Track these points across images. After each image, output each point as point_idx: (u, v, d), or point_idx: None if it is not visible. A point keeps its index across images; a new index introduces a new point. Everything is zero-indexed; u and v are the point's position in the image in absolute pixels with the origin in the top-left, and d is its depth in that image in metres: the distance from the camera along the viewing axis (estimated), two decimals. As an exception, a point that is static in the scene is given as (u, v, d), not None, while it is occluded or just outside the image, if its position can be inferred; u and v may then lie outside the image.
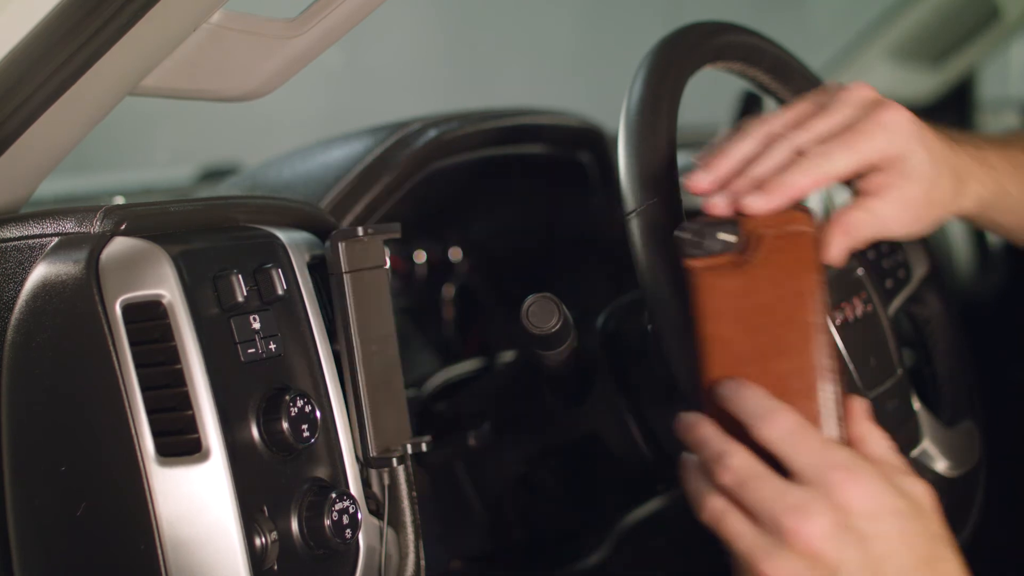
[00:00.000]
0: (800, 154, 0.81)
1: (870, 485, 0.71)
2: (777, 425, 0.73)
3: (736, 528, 0.72)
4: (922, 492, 0.74)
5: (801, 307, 0.75)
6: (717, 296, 0.76)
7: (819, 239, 0.78)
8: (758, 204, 0.78)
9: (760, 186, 0.79)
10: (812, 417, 0.74)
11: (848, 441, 0.75)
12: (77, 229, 0.79)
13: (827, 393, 0.75)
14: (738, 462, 0.73)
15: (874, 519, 0.71)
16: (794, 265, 0.76)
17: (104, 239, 0.77)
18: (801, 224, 0.77)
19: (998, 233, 1.00)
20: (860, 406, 0.77)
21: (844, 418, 0.75)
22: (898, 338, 1.05)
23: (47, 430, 0.77)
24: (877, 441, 0.76)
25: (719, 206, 0.80)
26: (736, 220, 0.78)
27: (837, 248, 0.82)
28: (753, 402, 0.74)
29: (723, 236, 0.77)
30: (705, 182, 0.82)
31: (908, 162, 0.84)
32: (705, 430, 0.75)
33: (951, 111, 2.17)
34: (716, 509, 0.73)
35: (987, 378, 1.19)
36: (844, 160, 0.81)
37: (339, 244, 0.85)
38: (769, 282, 0.76)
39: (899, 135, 0.84)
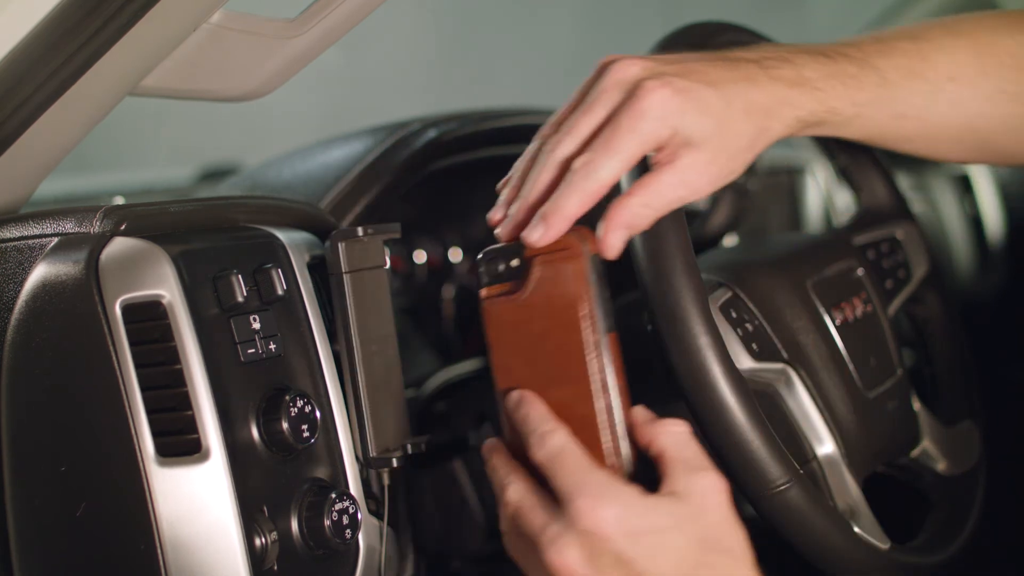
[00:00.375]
0: (568, 168, 0.78)
1: (618, 508, 0.71)
2: (545, 447, 0.74)
3: (519, 561, 0.75)
4: (705, 488, 0.74)
5: (572, 334, 0.76)
6: (498, 325, 0.78)
7: (589, 260, 0.76)
8: (534, 237, 0.77)
9: (540, 212, 0.78)
10: (594, 438, 0.76)
11: (638, 451, 0.76)
12: (77, 229, 0.79)
13: (603, 414, 0.76)
14: (511, 494, 0.75)
15: (629, 540, 0.71)
16: (562, 293, 0.76)
17: (104, 239, 0.77)
18: (569, 248, 0.76)
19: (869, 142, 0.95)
20: (643, 414, 0.77)
21: (629, 431, 0.77)
22: (898, 338, 1.05)
23: (47, 430, 0.77)
24: (668, 441, 0.76)
25: (502, 237, 0.79)
26: (520, 246, 0.78)
27: (613, 241, 0.78)
28: (528, 423, 0.75)
29: (505, 264, 0.77)
30: (498, 213, 0.82)
31: (684, 133, 0.79)
32: (495, 459, 0.77)
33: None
34: (508, 542, 0.76)
35: (987, 378, 1.19)
36: (608, 169, 0.77)
37: (339, 244, 0.85)
38: (540, 311, 0.76)
39: (664, 116, 0.78)
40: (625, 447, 0.77)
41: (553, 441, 0.74)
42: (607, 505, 0.71)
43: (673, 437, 0.76)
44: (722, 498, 0.75)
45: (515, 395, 0.77)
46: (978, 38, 0.91)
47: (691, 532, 0.73)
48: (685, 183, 0.79)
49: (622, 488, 0.73)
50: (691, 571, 0.72)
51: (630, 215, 0.78)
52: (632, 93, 0.78)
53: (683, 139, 0.79)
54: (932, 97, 0.90)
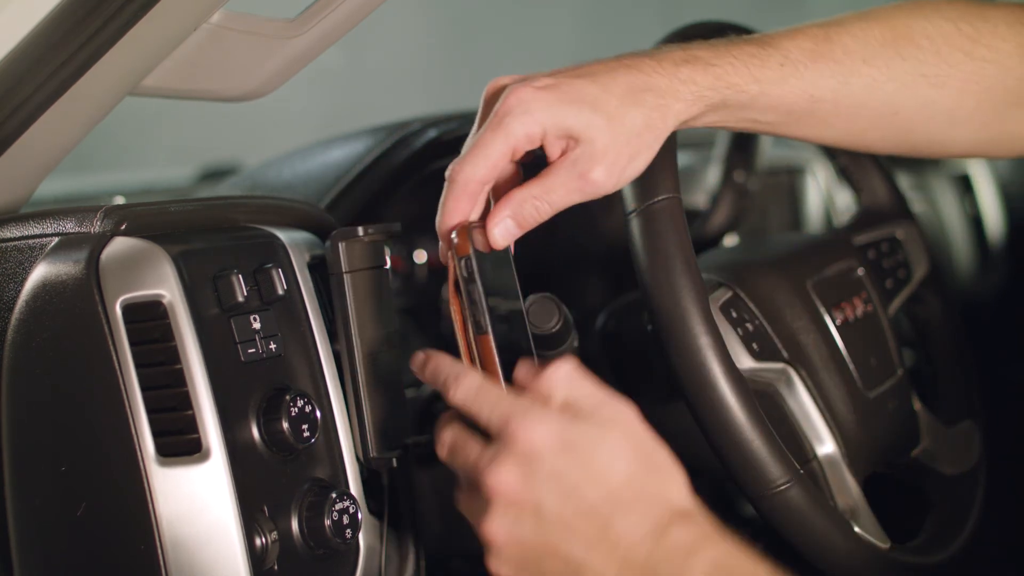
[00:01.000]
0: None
1: (548, 425, 0.73)
2: (460, 386, 0.76)
3: (459, 497, 0.77)
4: (617, 411, 0.75)
5: (459, 322, 0.81)
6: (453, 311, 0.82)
7: (456, 262, 0.80)
8: (441, 250, 0.82)
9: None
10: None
11: (533, 387, 0.77)
12: (77, 229, 0.79)
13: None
14: (446, 436, 0.77)
15: (562, 455, 0.72)
16: (451, 285, 0.80)
17: (104, 239, 0.77)
18: (452, 246, 0.80)
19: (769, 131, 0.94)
20: (527, 364, 0.78)
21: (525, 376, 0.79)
22: (898, 338, 1.05)
23: (47, 430, 0.77)
24: (558, 381, 0.76)
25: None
26: None
27: (495, 232, 0.81)
28: (438, 373, 0.78)
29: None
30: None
31: (562, 126, 0.80)
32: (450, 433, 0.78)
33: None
34: (460, 502, 0.78)
35: (987, 378, 1.19)
36: (472, 167, 0.80)
37: (339, 244, 0.85)
38: (453, 300, 0.81)
39: (528, 112, 0.80)
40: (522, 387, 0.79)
41: (467, 380, 0.76)
42: (536, 423, 0.73)
43: (564, 381, 0.76)
44: (638, 419, 0.76)
45: (419, 356, 0.80)
46: (893, 23, 0.91)
47: (619, 447, 0.74)
48: (579, 175, 0.81)
49: (547, 410, 0.74)
50: (624, 483, 0.73)
51: (516, 205, 0.81)
52: (502, 101, 0.81)
53: (564, 132, 0.80)
54: (845, 80, 0.89)
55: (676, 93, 0.83)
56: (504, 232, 0.81)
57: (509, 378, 0.78)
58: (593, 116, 0.80)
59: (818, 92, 0.88)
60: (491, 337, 0.78)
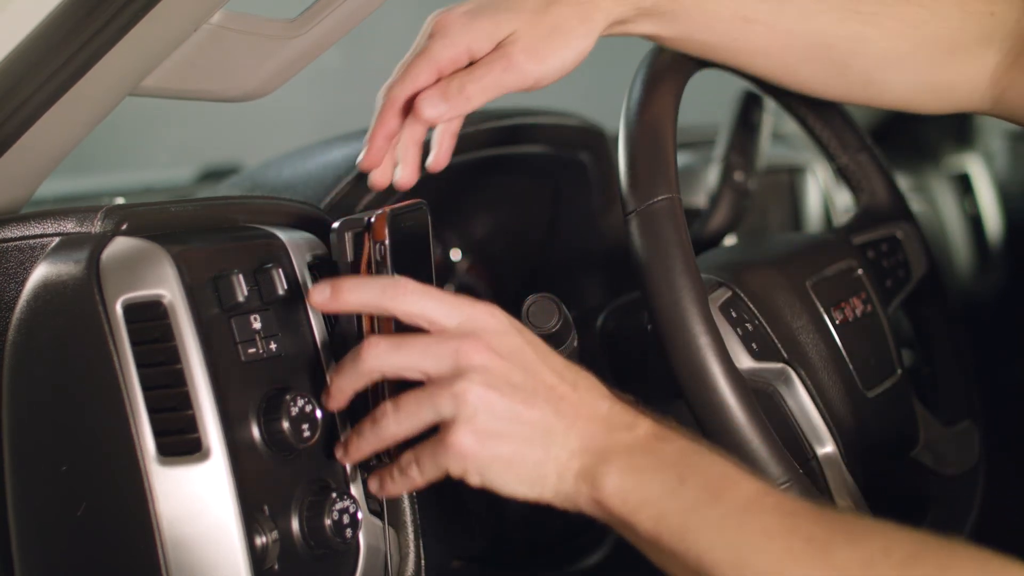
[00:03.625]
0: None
1: (490, 309, 0.78)
2: (409, 294, 0.77)
3: (408, 398, 0.77)
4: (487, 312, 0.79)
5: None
6: None
7: (368, 246, 0.82)
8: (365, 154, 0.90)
9: None
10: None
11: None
12: (78, 229, 0.79)
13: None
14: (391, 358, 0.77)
15: (517, 335, 0.78)
16: (363, 266, 0.82)
17: (105, 239, 0.77)
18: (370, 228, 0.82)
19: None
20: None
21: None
22: (897, 338, 1.05)
23: (48, 430, 0.77)
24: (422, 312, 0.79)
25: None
26: None
27: (424, 109, 0.86)
28: (371, 292, 0.78)
29: None
30: None
31: (491, 34, 0.86)
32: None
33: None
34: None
35: (987, 378, 1.19)
36: (397, 89, 0.87)
37: (345, 234, 0.84)
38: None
39: (448, 39, 0.86)
40: None
41: (406, 284, 0.78)
42: (487, 313, 0.77)
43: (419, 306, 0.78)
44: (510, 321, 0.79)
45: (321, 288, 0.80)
46: None
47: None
48: (504, 59, 0.86)
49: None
50: (565, 365, 0.79)
51: (444, 84, 0.86)
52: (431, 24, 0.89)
53: (489, 41, 0.86)
54: (781, 7, 0.91)
55: (598, 9, 0.87)
56: (429, 102, 0.85)
57: None
58: (511, 15, 0.86)
59: (751, 14, 0.91)
60: (392, 321, 0.79)
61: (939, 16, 0.93)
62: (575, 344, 1.00)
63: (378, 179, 0.91)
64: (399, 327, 0.79)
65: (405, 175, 0.91)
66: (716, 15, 0.91)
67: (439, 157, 0.93)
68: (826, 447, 0.93)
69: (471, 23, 0.86)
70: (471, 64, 0.87)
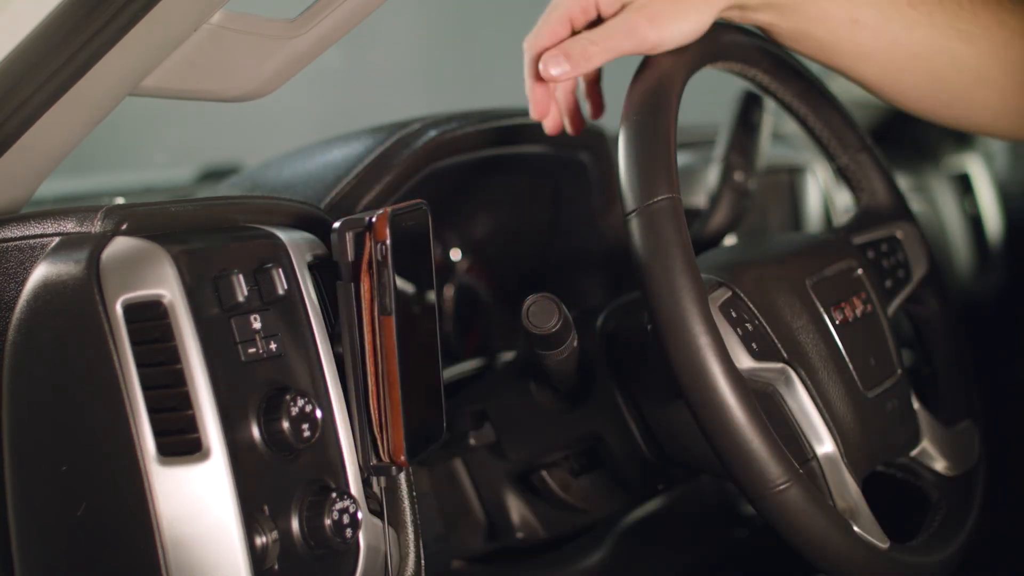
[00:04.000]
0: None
1: None
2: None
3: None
4: None
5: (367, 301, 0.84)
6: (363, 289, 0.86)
7: (371, 246, 0.83)
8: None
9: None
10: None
11: None
12: (78, 229, 0.79)
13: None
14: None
15: None
16: (364, 265, 0.84)
17: (105, 239, 0.77)
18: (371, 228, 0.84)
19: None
20: None
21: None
22: (897, 338, 1.05)
23: (48, 430, 0.77)
24: None
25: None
26: None
27: (547, 65, 0.94)
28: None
29: None
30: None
31: None
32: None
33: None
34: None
35: (987, 378, 1.19)
36: (532, 39, 0.96)
37: (347, 234, 0.84)
38: (364, 279, 0.84)
39: None
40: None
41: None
42: None
43: None
44: None
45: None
46: None
47: None
48: (626, 24, 0.92)
49: None
50: None
51: (568, 44, 0.93)
52: None
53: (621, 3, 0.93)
54: (888, 15, 0.95)
55: None
56: (554, 60, 0.93)
57: (406, 365, 0.82)
58: None
59: (860, 17, 0.95)
60: (394, 319, 0.80)
61: None
62: (575, 344, 1.00)
63: (550, 125, 1.01)
64: (400, 335, 0.80)
65: (570, 124, 1.03)
66: (829, 13, 0.95)
67: (593, 108, 1.04)
68: (826, 447, 0.93)
69: None
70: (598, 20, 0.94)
